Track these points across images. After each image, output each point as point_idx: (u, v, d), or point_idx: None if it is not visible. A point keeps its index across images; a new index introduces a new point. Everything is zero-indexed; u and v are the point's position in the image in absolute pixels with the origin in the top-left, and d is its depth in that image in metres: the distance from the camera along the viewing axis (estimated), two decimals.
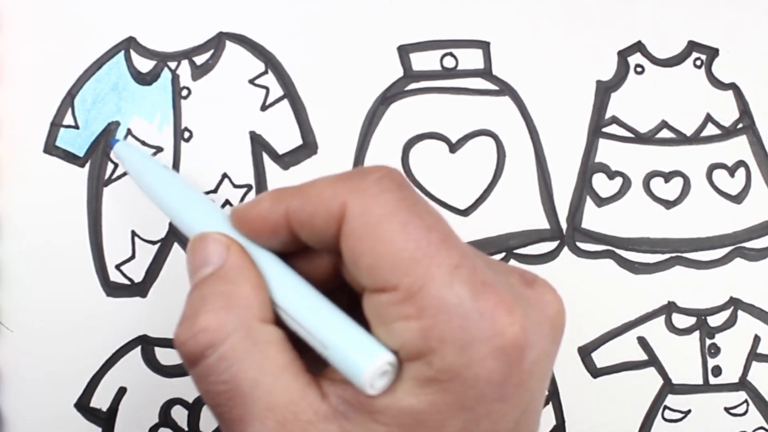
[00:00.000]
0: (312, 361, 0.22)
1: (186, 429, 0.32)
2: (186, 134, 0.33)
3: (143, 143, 0.33)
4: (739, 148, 0.36)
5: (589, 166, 0.35)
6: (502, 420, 0.20)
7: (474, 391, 0.19)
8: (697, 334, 0.35)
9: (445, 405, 0.20)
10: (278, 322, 0.22)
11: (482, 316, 0.19)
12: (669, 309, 0.35)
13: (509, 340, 0.19)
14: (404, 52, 0.34)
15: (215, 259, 0.23)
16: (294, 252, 0.23)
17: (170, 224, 0.33)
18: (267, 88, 0.34)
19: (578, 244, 0.34)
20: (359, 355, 0.20)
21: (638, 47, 0.36)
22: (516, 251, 0.34)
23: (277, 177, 0.33)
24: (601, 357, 0.34)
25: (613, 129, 0.35)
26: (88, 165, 0.33)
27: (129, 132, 0.33)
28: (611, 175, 0.35)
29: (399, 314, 0.20)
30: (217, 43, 0.34)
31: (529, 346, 0.20)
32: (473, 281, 0.20)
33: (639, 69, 0.35)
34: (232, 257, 0.23)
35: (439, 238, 0.20)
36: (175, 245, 0.33)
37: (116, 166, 0.33)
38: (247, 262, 0.23)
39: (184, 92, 0.33)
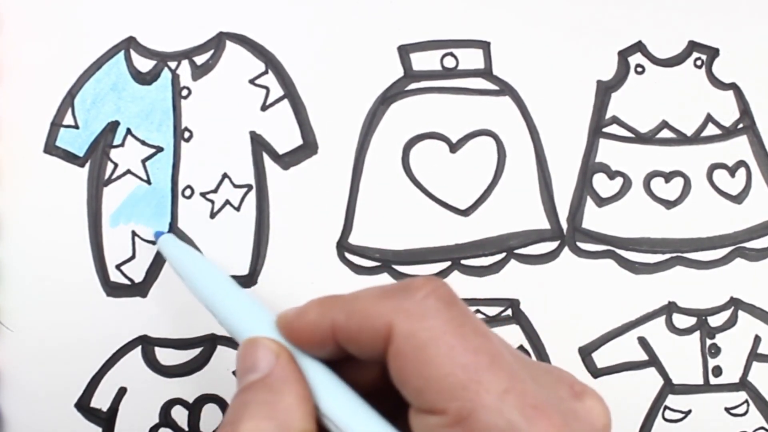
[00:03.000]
0: None
1: (186, 429, 0.32)
2: (186, 134, 0.33)
3: (143, 143, 0.33)
4: (739, 148, 0.36)
5: (589, 166, 0.35)
6: None
7: None
8: (697, 334, 0.35)
9: None
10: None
11: None
12: (669, 309, 0.35)
13: None
14: (404, 52, 0.34)
15: (263, 365, 0.23)
16: (341, 360, 0.23)
17: (170, 224, 0.33)
18: (267, 88, 0.34)
19: (579, 244, 0.34)
20: None
21: (638, 47, 0.36)
22: (516, 251, 0.34)
23: (277, 177, 0.33)
24: (602, 357, 0.34)
25: (614, 129, 0.35)
26: (88, 165, 0.33)
27: (129, 132, 0.33)
28: (612, 175, 0.35)
29: None
30: (217, 43, 0.34)
31: None
32: (523, 405, 0.20)
33: (639, 69, 0.35)
34: (279, 366, 0.23)
35: (488, 360, 0.20)
36: None
37: (116, 165, 0.33)
38: (294, 372, 0.23)
39: (184, 92, 0.33)
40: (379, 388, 0.23)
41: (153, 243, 0.33)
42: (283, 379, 0.22)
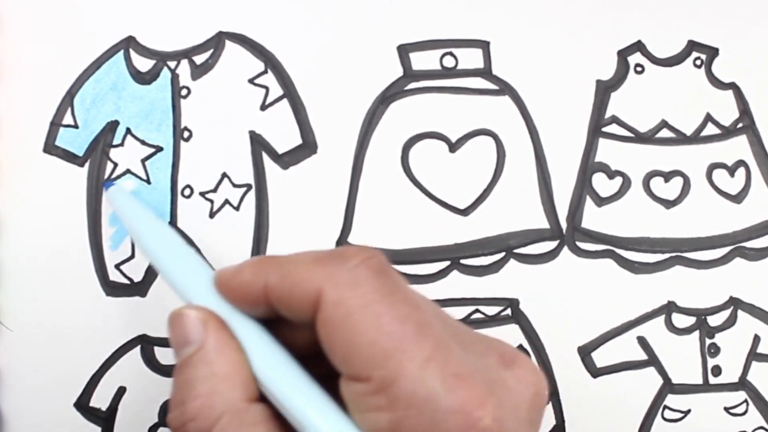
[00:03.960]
0: None
1: None
2: (185, 134, 0.33)
3: (143, 143, 0.33)
4: (739, 147, 0.36)
5: (589, 166, 0.35)
6: None
7: None
8: (696, 333, 0.35)
9: None
10: (264, 397, 0.22)
11: (452, 411, 0.19)
12: (669, 309, 0.35)
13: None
14: (404, 51, 0.34)
15: (195, 337, 0.23)
16: (277, 318, 0.23)
17: (170, 224, 0.33)
18: (267, 88, 0.34)
19: (578, 243, 0.34)
20: None
21: (638, 47, 0.36)
22: (516, 251, 0.34)
23: (276, 177, 0.33)
24: (601, 357, 0.34)
25: (613, 128, 0.35)
26: (87, 164, 0.33)
27: (128, 131, 0.33)
28: (611, 174, 0.35)
29: (371, 405, 0.20)
30: (217, 42, 0.34)
31: None
32: (445, 374, 0.20)
33: (639, 68, 0.35)
34: (210, 336, 0.23)
35: (413, 329, 0.20)
36: None
37: (116, 165, 0.33)
38: (226, 339, 0.23)
39: (184, 92, 0.33)
40: (314, 351, 0.23)
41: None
42: (216, 349, 0.22)
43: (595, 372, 0.34)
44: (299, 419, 0.21)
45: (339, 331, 0.20)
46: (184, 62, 0.34)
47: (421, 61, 0.34)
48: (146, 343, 0.32)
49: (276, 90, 0.34)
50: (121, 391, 0.32)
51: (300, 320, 0.22)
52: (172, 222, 0.33)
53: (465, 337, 0.22)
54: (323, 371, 0.22)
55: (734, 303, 0.35)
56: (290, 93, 0.34)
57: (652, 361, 0.35)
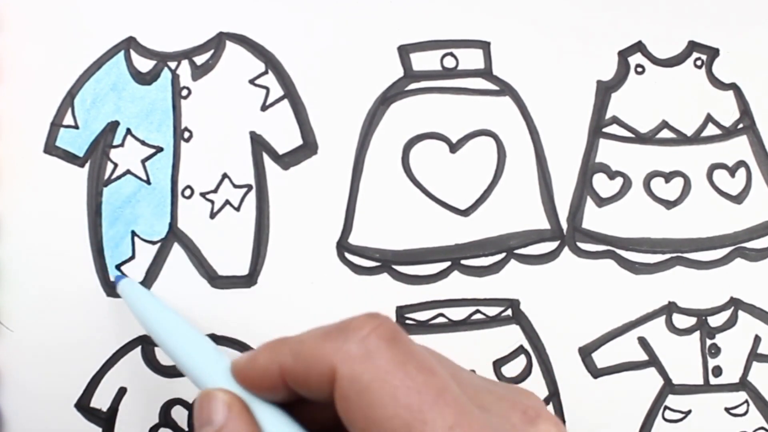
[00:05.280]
0: None
1: (186, 429, 0.32)
2: (186, 134, 0.33)
3: (143, 143, 0.33)
4: (739, 148, 0.36)
5: (589, 166, 0.35)
6: None
7: None
8: (697, 334, 0.35)
9: None
10: None
11: None
12: (669, 309, 0.35)
13: None
14: (404, 52, 0.34)
15: (218, 418, 0.23)
16: (299, 399, 0.23)
17: (170, 224, 0.33)
18: (267, 88, 0.34)
19: (579, 244, 0.34)
20: None
21: (638, 47, 0.36)
22: (516, 251, 0.34)
23: (277, 177, 0.33)
24: (602, 357, 0.34)
25: (614, 129, 0.35)
26: (87, 165, 0.33)
27: (129, 132, 0.33)
28: (612, 175, 0.35)
29: None
30: (217, 43, 0.34)
31: None
32: None
33: (639, 69, 0.35)
34: (232, 419, 0.23)
35: (432, 398, 0.20)
36: (175, 245, 0.33)
37: (116, 165, 0.33)
38: (247, 422, 0.23)
39: (184, 92, 0.33)
40: (340, 427, 0.23)
41: (152, 243, 0.33)
42: (237, 430, 0.22)
43: (596, 372, 0.34)
44: None
45: (357, 407, 0.20)
46: (185, 63, 0.33)
47: (422, 61, 0.34)
48: (147, 344, 0.32)
49: (276, 90, 0.34)
50: (121, 391, 0.32)
51: (318, 399, 0.22)
52: (173, 222, 0.33)
53: (485, 396, 0.22)
54: None
55: (735, 303, 0.35)
56: (291, 93, 0.34)
57: (653, 361, 0.34)
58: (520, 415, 0.22)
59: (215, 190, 0.33)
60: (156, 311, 0.29)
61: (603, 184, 0.35)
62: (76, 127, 0.33)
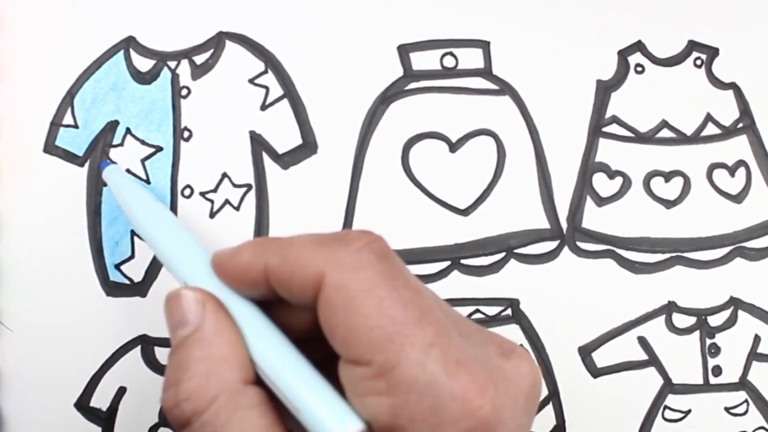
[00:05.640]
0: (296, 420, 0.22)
1: None
2: (186, 134, 0.33)
3: (143, 143, 0.33)
4: (739, 147, 0.36)
5: (589, 166, 0.35)
6: None
7: None
8: (697, 333, 0.35)
9: None
10: (260, 379, 0.22)
11: (453, 397, 0.19)
12: (669, 309, 0.35)
13: (480, 421, 0.20)
14: (404, 51, 0.34)
15: (192, 317, 0.22)
16: (275, 300, 0.23)
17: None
18: (267, 88, 0.34)
19: (578, 243, 0.34)
20: (331, 421, 0.20)
21: (638, 47, 0.36)
22: (516, 251, 0.34)
23: (277, 177, 0.33)
24: (602, 357, 0.34)
25: (614, 128, 0.35)
26: (87, 164, 0.33)
27: (128, 131, 0.33)
28: (611, 174, 0.35)
29: (371, 389, 0.20)
30: (217, 42, 0.34)
31: (500, 424, 0.20)
32: (447, 360, 0.20)
33: (639, 68, 0.35)
34: (208, 317, 0.22)
35: (415, 315, 0.20)
36: None
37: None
38: (224, 321, 0.22)
39: (184, 92, 0.33)
40: (313, 334, 0.23)
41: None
42: (214, 330, 0.22)
43: (596, 372, 0.34)
44: (295, 403, 0.21)
45: (340, 315, 0.20)
46: (185, 62, 0.33)
47: (422, 61, 0.34)
48: (146, 343, 0.32)
49: (276, 90, 0.34)
50: (121, 391, 0.32)
51: (300, 303, 0.22)
52: None
53: (464, 326, 0.22)
54: (321, 355, 0.22)
55: (735, 303, 0.35)
56: (290, 93, 0.34)
57: (653, 361, 0.34)
58: (495, 348, 0.22)
59: (215, 190, 0.33)
60: (141, 200, 0.28)
61: (603, 184, 0.35)
62: (76, 126, 0.33)
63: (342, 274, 0.21)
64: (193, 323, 0.22)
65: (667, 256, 0.35)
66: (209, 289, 0.23)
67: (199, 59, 0.34)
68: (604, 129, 0.35)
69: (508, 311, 0.34)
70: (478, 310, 0.34)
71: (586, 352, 0.34)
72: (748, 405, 0.35)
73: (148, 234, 0.27)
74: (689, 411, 0.34)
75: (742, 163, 0.35)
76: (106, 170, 0.32)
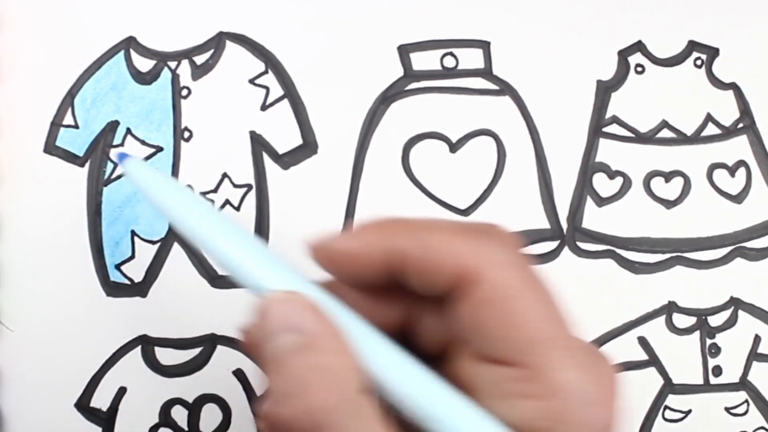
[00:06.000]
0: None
1: (186, 429, 0.32)
2: (186, 134, 0.33)
3: (143, 143, 0.33)
4: (739, 147, 0.36)
5: (589, 166, 0.35)
6: None
7: None
8: (697, 333, 0.35)
9: None
10: (371, 388, 0.21)
11: (599, 404, 0.20)
12: (669, 309, 0.35)
13: (613, 428, 0.20)
14: (404, 51, 0.34)
15: (298, 324, 0.20)
16: (358, 287, 0.22)
17: (170, 224, 0.33)
18: (267, 88, 0.34)
19: (578, 243, 0.34)
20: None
21: (638, 47, 0.36)
22: None
23: (277, 177, 0.33)
24: None
25: (614, 129, 0.35)
26: (87, 164, 0.33)
27: (128, 132, 0.33)
28: (611, 174, 0.35)
29: (523, 392, 0.20)
30: (217, 42, 0.34)
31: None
32: (590, 364, 0.20)
33: (639, 69, 0.35)
34: (320, 323, 0.20)
35: (566, 319, 0.20)
36: (175, 245, 0.33)
37: (116, 165, 0.33)
38: (335, 328, 0.21)
39: (184, 92, 0.33)
40: (390, 327, 0.22)
41: (152, 243, 0.33)
42: (328, 338, 0.20)
43: None
44: (427, 415, 0.20)
45: (496, 312, 0.20)
46: (185, 62, 0.33)
47: (422, 61, 0.34)
48: (146, 344, 0.32)
49: (276, 90, 0.34)
50: (121, 391, 0.32)
51: (428, 292, 0.21)
52: None
53: None
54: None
55: (735, 303, 0.35)
56: (291, 93, 0.34)
57: (653, 361, 0.34)
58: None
59: (215, 190, 0.33)
60: (184, 199, 0.23)
61: (603, 184, 0.35)
62: (76, 126, 0.33)
63: (500, 271, 0.20)
64: (302, 330, 0.20)
65: (667, 256, 0.35)
66: (299, 290, 0.21)
67: (200, 59, 0.34)
68: (605, 129, 0.35)
69: None
70: None
71: None
72: (748, 405, 0.35)
73: (206, 240, 0.22)
74: (689, 411, 0.34)
75: (742, 163, 0.35)
76: (126, 163, 0.25)
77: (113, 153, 0.32)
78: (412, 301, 0.22)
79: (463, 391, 0.20)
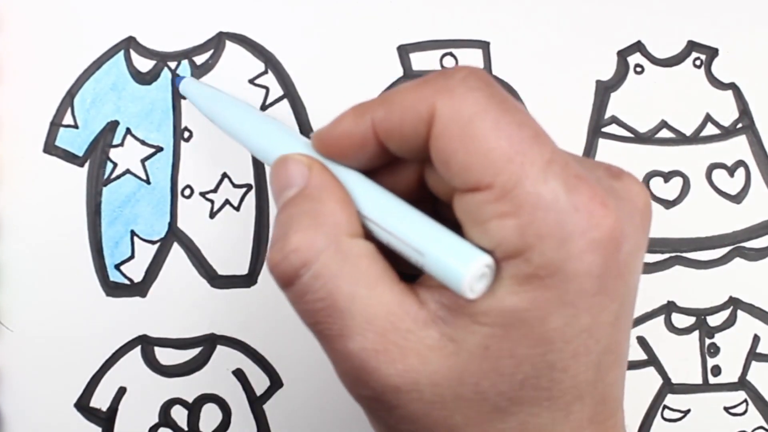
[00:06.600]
0: (403, 273, 0.22)
1: (186, 429, 0.32)
2: (186, 134, 0.33)
3: (143, 143, 0.33)
4: (738, 147, 0.36)
5: None
6: (603, 313, 0.20)
7: (574, 285, 0.19)
8: (696, 333, 0.35)
9: (546, 301, 0.19)
10: (367, 236, 0.22)
11: (578, 210, 0.19)
12: (668, 308, 0.35)
13: (606, 232, 0.19)
14: (404, 52, 0.34)
15: (298, 179, 0.23)
16: (374, 169, 0.23)
17: (170, 224, 0.33)
18: (267, 88, 0.34)
19: None
20: (457, 260, 0.20)
21: (638, 47, 0.36)
22: None
23: None
24: None
25: (613, 129, 0.35)
26: (87, 164, 0.33)
27: (128, 131, 0.33)
28: None
29: (494, 212, 0.20)
30: (217, 43, 0.34)
31: (624, 237, 0.20)
32: (566, 176, 0.19)
33: (639, 69, 0.35)
34: (315, 175, 0.22)
35: (531, 134, 0.20)
36: (175, 245, 0.33)
37: (115, 165, 0.33)
38: (330, 179, 0.22)
39: None
40: (412, 198, 0.22)
41: (152, 243, 0.33)
42: (321, 187, 0.22)
43: None
44: (415, 246, 0.20)
45: (456, 141, 0.20)
46: (185, 62, 0.33)
47: (422, 61, 0.34)
48: (146, 343, 0.32)
49: (276, 90, 0.34)
50: (121, 391, 0.32)
51: (410, 149, 0.21)
52: (172, 222, 0.33)
53: (569, 152, 0.22)
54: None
55: (734, 303, 0.35)
56: (290, 93, 0.34)
57: (652, 360, 0.35)
58: (604, 171, 0.22)
59: (215, 190, 0.33)
60: (223, 101, 0.28)
61: None
62: (76, 126, 0.33)
63: (454, 101, 0.20)
64: (299, 183, 0.22)
65: (666, 256, 0.35)
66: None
67: (199, 59, 0.34)
68: (604, 129, 0.35)
69: None
70: None
71: None
72: (747, 405, 0.35)
73: (240, 131, 0.27)
74: (688, 411, 0.35)
75: (741, 163, 0.36)
76: (182, 84, 0.31)
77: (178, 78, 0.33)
78: (416, 169, 0.23)
79: (453, 225, 0.21)
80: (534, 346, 0.20)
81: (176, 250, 0.33)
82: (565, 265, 0.19)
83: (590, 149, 0.35)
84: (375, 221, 0.22)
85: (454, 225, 0.21)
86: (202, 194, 0.33)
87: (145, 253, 0.33)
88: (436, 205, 0.23)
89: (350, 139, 0.22)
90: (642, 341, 0.34)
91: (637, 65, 0.36)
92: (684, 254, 0.35)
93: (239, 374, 0.33)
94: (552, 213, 0.19)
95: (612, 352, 0.21)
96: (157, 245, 0.33)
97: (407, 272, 0.22)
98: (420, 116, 0.21)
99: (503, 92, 0.21)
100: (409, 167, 0.23)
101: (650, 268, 0.35)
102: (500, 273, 0.20)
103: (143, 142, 0.33)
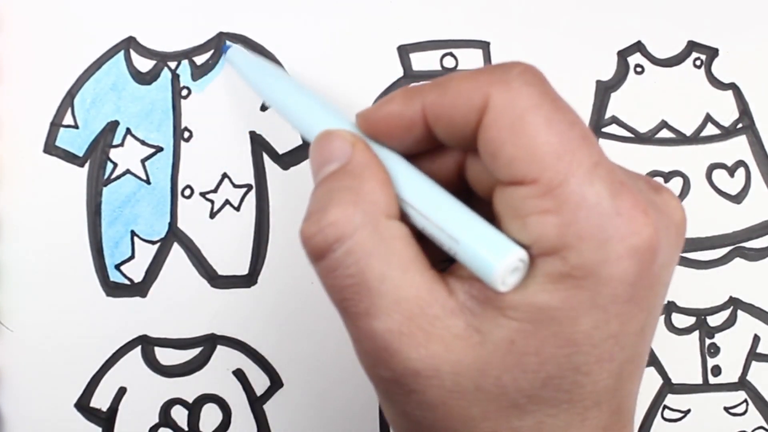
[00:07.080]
0: (436, 260, 0.22)
1: (186, 429, 0.32)
2: (186, 134, 0.33)
3: (143, 143, 0.33)
4: (738, 148, 0.36)
5: None
6: (631, 322, 0.20)
7: (608, 289, 0.19)
8: (696, 333, 0.35)
9: (578, 302, 0.19)
10: (403, 219, 0.22)
11: (620, 215, 0.19)
12: (668, 309, 0.35)
13: (644, 240, 0.19)
14: (404, 52, 0.34)
15: (340, 155, 0.23)
16: (415, 154, 0.23)
17: (170, 224, 0.33)
18: None
19: None
20: (490, 251, 0.20)
21: (638, 47, 0.36)
22: None
23: (277, 177, 0.33)
24: None
25: (613, 129, 0.35)
26: (87, 164, 0.33)
27: (128, 132, 0.33)
28: None
29: (536, 208, 0.20)
30: (217, 43, 0.34)
31: (660, 248, 0.20)
32: (612, 180, 0.20)
33: (639, 69, 0.35)
34: (358, 153, 0.22)
35: (580, 134, 0.20)
36: (175, 245, 0.33)
37: (116, 165, 0.33)
38: (373, 158, 0.22)
39: (184, 92, 0.33)
40: (451, 188, 0.22)
41: (152, 243, 0.33)
42: (363, 165, 0.22)
43: None
44: (450, 234, 0.21)
45: (507, 133, 0.20)
46: (185, 63, 0.33)
47: (422, 61, 0.34)
48: (146, 344, 0.32)
49: None
50: (121, 391, 0.32)
51: (458, 136, 0.22)
52: (172, 222, 0.33)
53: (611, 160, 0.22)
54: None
55: (734, 303, 0.35)
56: None
57: (652, 361, 0.35)
58: (644, 182, 0.22)
59: (215, 190, 0.33)
60: (269, 73, 0.29)
61: None
62: (76, 126, 0.33)
63: (509, 94, 0.20)
64: (341, 158, 0.22)
65: None
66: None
67: (199, 59, 0.34)
68: (604, 129, 0.35)
69: None
70: None
71: None
72: (747, 405, 0.35)
73: (284, 104, 0.27)
74: (689, 411, 0.35)
75: (741, 163, 0.36)
76: (229, 53, 0.32)
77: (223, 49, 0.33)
78: (456, 158, 0.23)
79: (487, 219, 0.21)
80: (561, 346, 0.20)
81: (176, 251, 0.33)
82: (601, 268, 0.19)
83: None
84: (413, 205, 0.22)
85: (488, 221, 0.21)
86: (202, 194, 0.33)
87: (146, 253, 0.33)
88: (471, 200, 0.23)
89: (398, 120, 0.22)
90: None
91: (637, 65, 0.36)
92: (684, 254, 0.35)
93: (239, 374, 0.33)
94: (594, 215, 0.19)
95: (633, 362, 0.21)
96: (157, 245, 0.33)
97: (436, 266, 0.22)
98: (473, 104, 0.21)
99: (556, 91, 0.21)
100: (450, 156, 0.23)
101: None
102: (534, 269, 0.20)
103: (143, 142, 0.33)
